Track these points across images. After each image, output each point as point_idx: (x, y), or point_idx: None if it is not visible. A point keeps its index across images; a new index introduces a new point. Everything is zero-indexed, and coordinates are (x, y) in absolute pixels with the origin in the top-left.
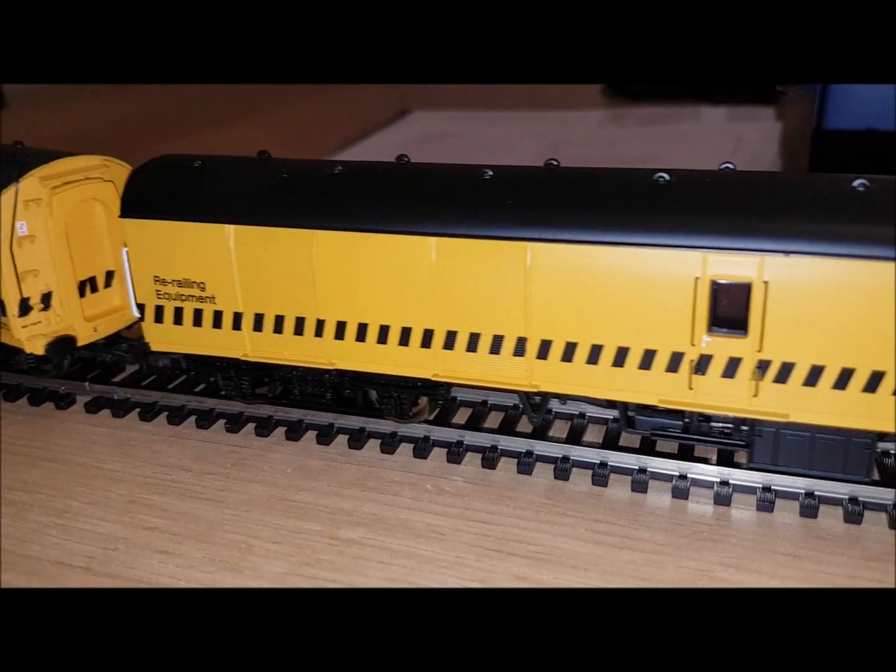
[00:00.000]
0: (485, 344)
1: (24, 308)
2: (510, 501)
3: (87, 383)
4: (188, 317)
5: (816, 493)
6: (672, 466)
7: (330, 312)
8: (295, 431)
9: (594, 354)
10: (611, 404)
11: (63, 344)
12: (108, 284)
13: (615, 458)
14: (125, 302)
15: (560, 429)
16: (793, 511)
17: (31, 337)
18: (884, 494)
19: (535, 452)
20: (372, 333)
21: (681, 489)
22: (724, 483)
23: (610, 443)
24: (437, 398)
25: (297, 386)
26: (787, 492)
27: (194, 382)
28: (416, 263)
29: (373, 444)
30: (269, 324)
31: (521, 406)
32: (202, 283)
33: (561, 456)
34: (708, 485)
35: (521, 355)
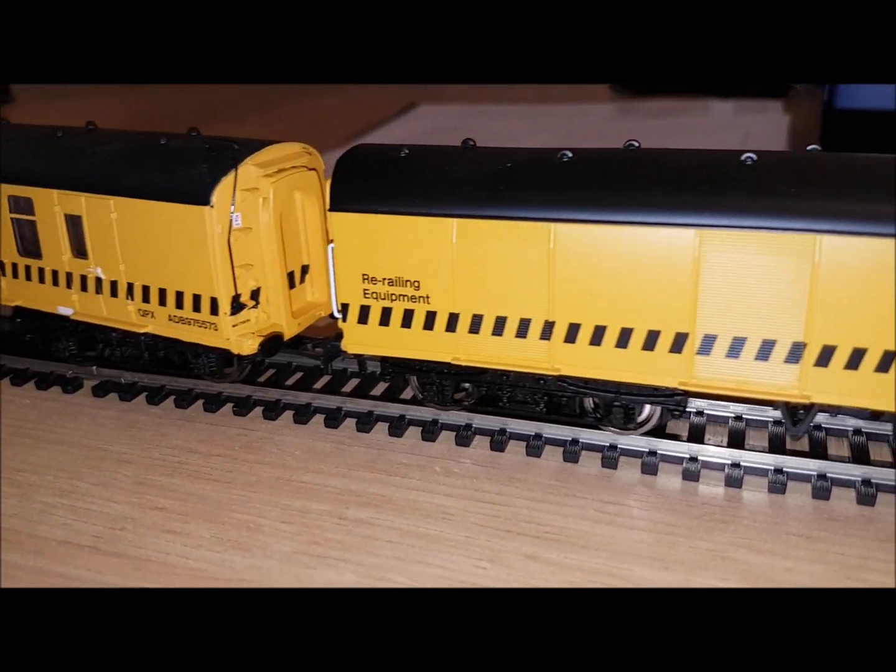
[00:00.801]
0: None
1: (237, 306)
2: (519, 483)
3: (94, 367)
4: (396, 318)
5: (829, 475)
6: (682, 449)
7: (563, 313)
8: (303, 415)
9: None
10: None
11: (273, 342)
12: (302, 280)
13: (625, 441)
14: (317, 299)
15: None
16: (805, 493)
17: (242, 336)
18: None
19: (545, 435)
20: (610, 337)
21: (691, 471)
22: (735, 465)
23: None
24: (673, 409)
25: (507, 392)
26: (799, 474)
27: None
28: (680, 260)
29: (381, 428)
30: (487, 325)
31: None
32: (416, 281)
33: (570, 438)
34: (719, 467)
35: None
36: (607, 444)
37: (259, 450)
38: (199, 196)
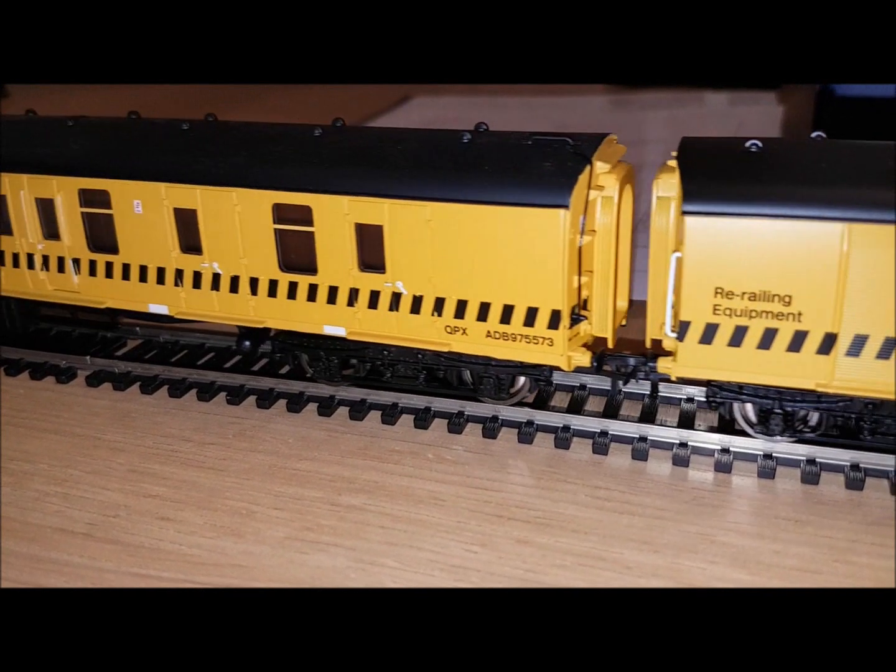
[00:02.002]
0: None
1: (575, 318)
2: (511, 469)
3: (88, 357)
4: (752, 337)
5: (818, 459)
6: (672, 434)
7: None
8: (296, 403)
9: None
10: None
11: (602, 356)
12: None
13: (616, 427)
14: (620, 307)
15: (561, 399)
16: (794, 478)
17: (573, 351)
18: (886, 461)
19: (536, 422)
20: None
21: (681, 457)
22: (725, 451)
23: (610, 412)
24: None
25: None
26: (788, 459)
27: (194, 356)
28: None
29: (374, 416)
30: (872, 347)
31: None
32: (787, 296)
33: (562, 425)
34: (709, 452)
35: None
36: (598, 431)
37: (252, 438)
38: (556, 197)
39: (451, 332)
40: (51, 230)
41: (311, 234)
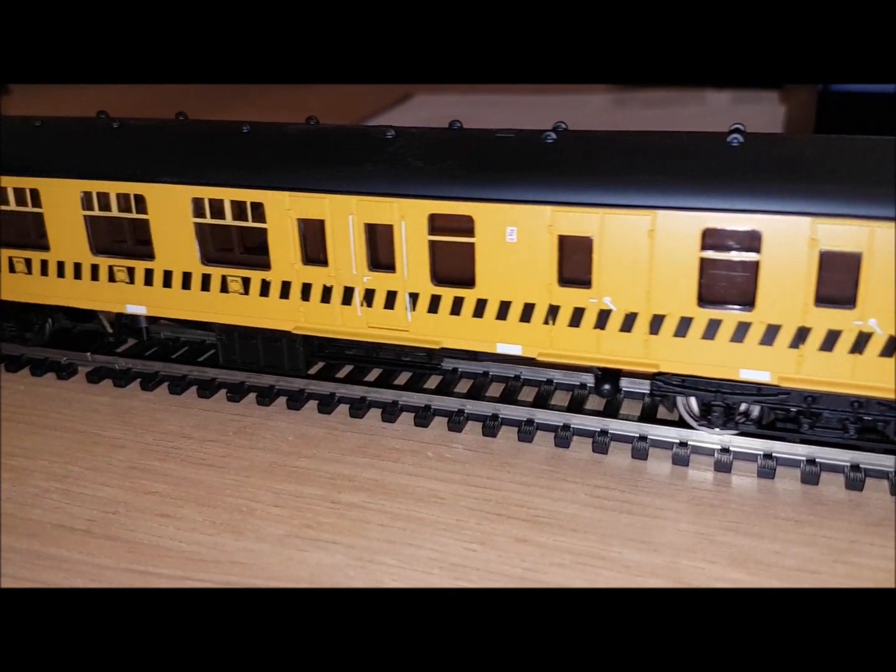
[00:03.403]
0: None
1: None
2: (511, 468)
3: (88, 354)
4: None
5: (818, 460)
6: (672, 434)
7: None
8: (296, 401)
9: None
10: None
11: None
12: None
13: (616, 426)
14: None
15: (561, 398)
16: (794, 478)
17: None
18: (886, 461)
19: (536, 421)
20: None
21: (681, 456)
22: (725, 450)
23: (611, 411)
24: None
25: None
26: (788, 459)
27: (196, 352)
28: None
29: (374, 413)
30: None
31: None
32: None
33: (562, 424)
34: (708, 452)
35: None
36: (598, 430)
37: (252, 435)
38: None
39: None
40: (380, 260)
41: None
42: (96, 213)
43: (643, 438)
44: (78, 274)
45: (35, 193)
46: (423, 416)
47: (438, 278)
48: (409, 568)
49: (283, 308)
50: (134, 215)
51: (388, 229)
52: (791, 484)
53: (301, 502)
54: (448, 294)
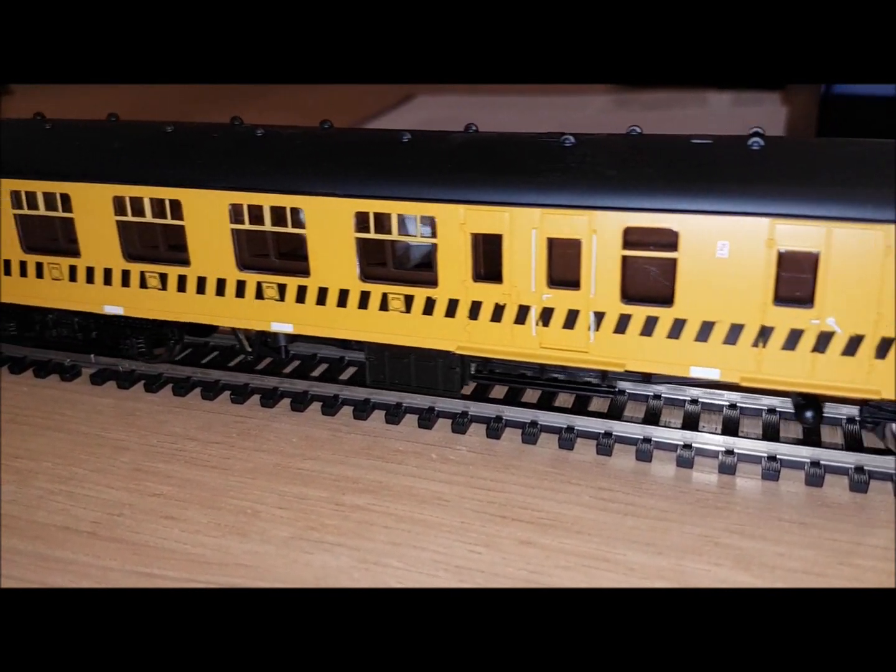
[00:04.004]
0: None
1: None
2: (514, 470)
3: (92, 355)
4: None
5: (822, 462)
6: (676, 436)
7: None
8: (300, 402)
9: None
10: None
11: None
12: None
13: (620, 428)
14: None
15: (565, 400)
16: (798, 480)
17: None
18: (890, 464)
19: (540, 423)
20: None
21: (685, 458)
22: (729, 452)
23: (615, 413)
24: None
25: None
26: (792, 461)
27: (199, 355)
28: None
29: (378, 415)
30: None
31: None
32: None
33: (565, 426)
34: (713, 454)
35: None
36: (602, 432)
37: (256, 437)
38: None
39: None
40: (562, 277)
41: None
42: (245, 226)
43: (647, 441)
44: (221, 290)
45: (176, 205)
46: (427, 418)
47: (628, 296)
48: (414, 570)
49: (447, 327)
50: (288, 229)
51: (574, 244)
52: (795, 486)
53: (305, 504)
54: (640, 313)
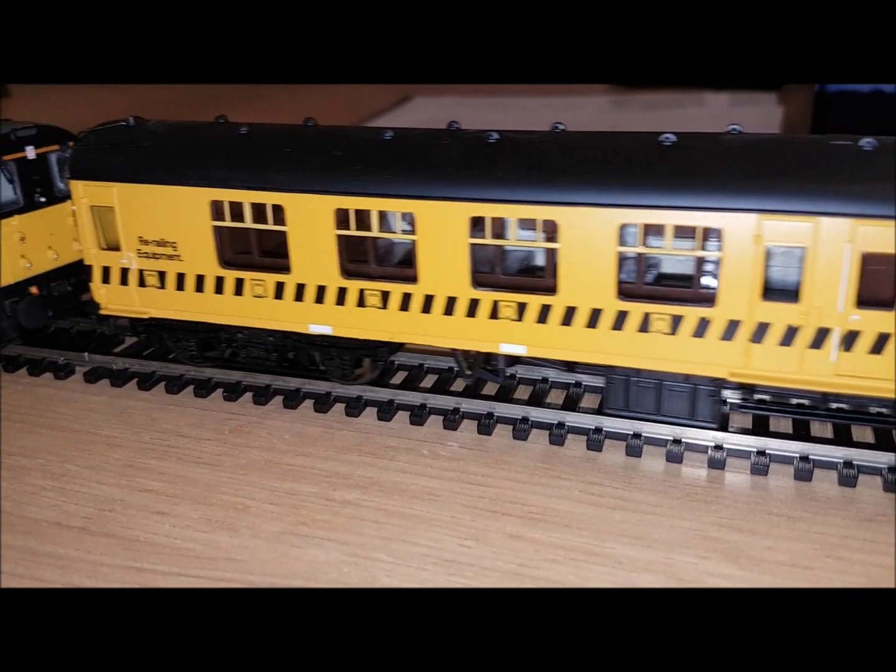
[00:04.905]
0: None
1: None
2: (505, 465)
3: (86, 353)
4: None
5: (811, 456)
6: (666, 431)
7: None
8: (293, 399)
9: None
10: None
11: None
12: None
13: (610, 424)
14: None
15: (556, 396)
16: (787, 475)
17: None
18: (878, 458)
19: (531, 418)
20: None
21: (675, 453)
22: (718, 447)
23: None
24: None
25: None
26: (781, 456)
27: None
28: None
29: (369, 412)
30: None
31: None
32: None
33: (556, 422)
34: (702, 449)
35: None
36: (592, 427)
37: (248, 434)
38: None
39: None
40: (872, 296)
41: None
42: (485, 241)
43: (637, 436)
44: (450, 310)
45: (410, 218)
46: (419, 415)
47: None
48: (404, 564)
49: (718, 351)
50: (538, 244)
51: (891, 259)
52: (784, 480)
53: (296, 500)
54: None
